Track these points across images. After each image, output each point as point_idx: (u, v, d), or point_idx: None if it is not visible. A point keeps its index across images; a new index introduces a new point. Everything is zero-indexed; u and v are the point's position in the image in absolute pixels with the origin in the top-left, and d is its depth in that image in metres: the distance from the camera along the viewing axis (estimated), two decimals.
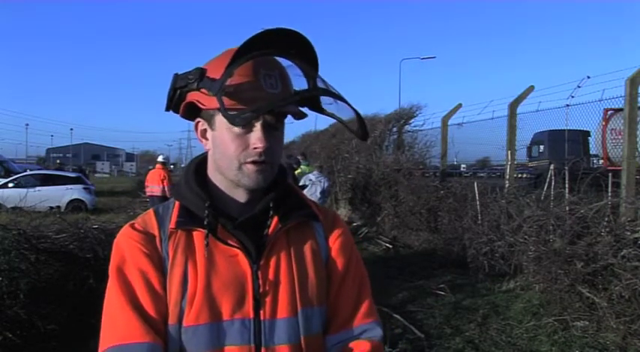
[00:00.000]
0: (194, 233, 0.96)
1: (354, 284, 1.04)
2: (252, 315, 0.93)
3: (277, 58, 0.93)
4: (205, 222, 0.94)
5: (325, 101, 0.98)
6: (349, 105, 0.95)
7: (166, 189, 10.15)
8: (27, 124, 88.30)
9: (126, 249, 0.96)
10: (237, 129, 0.92)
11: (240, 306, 0.93)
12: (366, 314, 1.03)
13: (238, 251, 0.95)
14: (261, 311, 0.94)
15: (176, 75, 0.96)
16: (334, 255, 1.05)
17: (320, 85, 0.93)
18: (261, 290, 0.94)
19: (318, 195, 8.10)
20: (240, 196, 0.99)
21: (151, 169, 11.75)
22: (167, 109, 0.99)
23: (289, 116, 0.98)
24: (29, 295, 3.81)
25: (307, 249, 1.02)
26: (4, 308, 3.72)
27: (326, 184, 8.33)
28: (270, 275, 0.96)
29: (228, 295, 0.93)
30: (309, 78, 0.94)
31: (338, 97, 0.93)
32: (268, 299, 0.95)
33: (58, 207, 14.43)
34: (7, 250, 3.90)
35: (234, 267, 0.95)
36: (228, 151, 0.94)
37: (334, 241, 1.06)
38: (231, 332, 0.92)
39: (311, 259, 1.01)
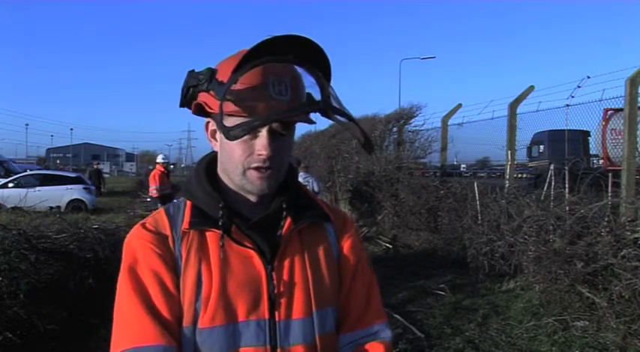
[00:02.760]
0: (207, 233, 0.95)
1: (364, 285, 1.05)
2: (267, 316, 0.93)
3: (291, 65, 0.91)
4: (220, 223, 0.93)
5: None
6: (353, 120, 0.92)
7: (152, 188, 9.69)
8: (27, 124, 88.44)
9: (138, 249, 0.94)
10: None
11: (255, 307, 0.93)
12: (377, 314, 1.04)
13: (253, 252, 0.94)
14: (277, 312, 0.94)
15: (189, 73, 0.95)
16: (345, 255, 1.05)
17: (331, 93, 0.90)
18: (275, 291, 0.94)
19: None
20: (251, 197, 0.98)
21: (152, 169, 11.72)
22: (181, 106, 0.99)
23: None
24: (29, 295, 3.81)
25: (320, 249, 1.02)
26: (4, 308, 3.71)
27: (314, 185, 8.22)
28: (285, 276, 0.96)
29: (244, 296, 0.92)
30: (321, 88, 0.90)
31: (343, 114, 0.90)
32: (283, 300, 0.94)
33: (58, 207, 14.44)
34: (7, 250, 3.89)
35: (249, 268, 0.94)
36: (233, 156, 0.93)
37: (345, 241, 1.06)
38: (246, 334, 0.91)
39: (324, 259, 1.01)
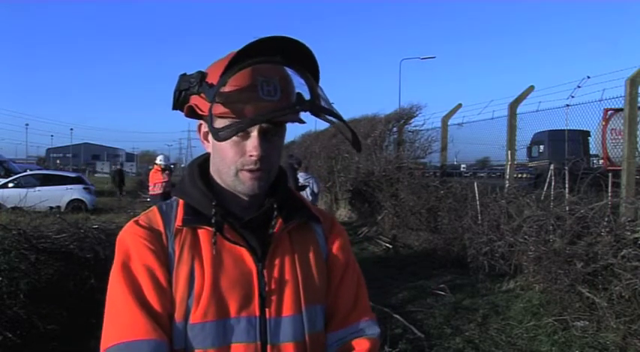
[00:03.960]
0: (199, 231, 0.97)
1: (352, 284, 1.08)
2: (258, 313, 0.95)
3: (280, 66, 0.92)
4: (213, 221, 0.95)
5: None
6: (342, 120, 0.93)
7: (151, 187, 10.08)
8: (27, 124, 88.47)
9: (131, 244, 0.96)
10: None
11: (246, 304, 0.94)
12: (364, 312, 1.07)
13: (244, 249, 0.96)
14: (267, 309, 0.95)
15: (181, 76, 0.97)
16: (333, 255, 1.08)
17: (319, 93, 0.92)
18: (266, 288, 0.96)
19: (310, 198, 8.04)
20: (242, 197, 1.00)
21: (151, 169, 11.76)
22: (174, 109, 1.01)
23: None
24: (29, 295, 3.81)
25: (309, 248, 1.04)
26: (4, 308, 3.72)
27: (315, 185, 8.22)
28: (276, 274, 0.98)
29: (235, 293, 0.94)
30: (310, 89, 0.92)
31: (332, 113, 0.91)
32: (274, 298, 0.96)
33: (58, 207, 14.45)
34: (7, 250, 3.90)
35: (241, 266, 0.96)
36: (226, 157, 0.95)
37: (333, 242, 1.09)
38: (237, 330, 0.93)
39: (313, 259, 1.03)
